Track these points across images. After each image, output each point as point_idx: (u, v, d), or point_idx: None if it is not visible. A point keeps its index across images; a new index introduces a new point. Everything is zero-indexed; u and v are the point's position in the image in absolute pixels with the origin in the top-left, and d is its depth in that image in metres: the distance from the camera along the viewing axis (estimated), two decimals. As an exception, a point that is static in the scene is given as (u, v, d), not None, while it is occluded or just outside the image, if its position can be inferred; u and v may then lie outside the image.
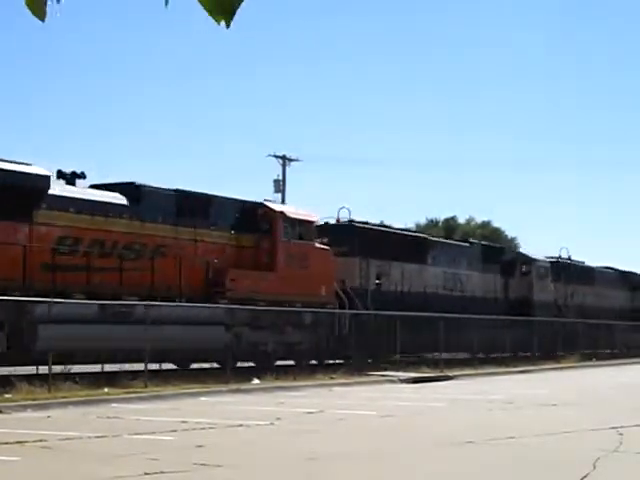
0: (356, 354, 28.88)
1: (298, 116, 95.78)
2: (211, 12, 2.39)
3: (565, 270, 46.61)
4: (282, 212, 27.60)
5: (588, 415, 16.54)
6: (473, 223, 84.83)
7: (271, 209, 27.59)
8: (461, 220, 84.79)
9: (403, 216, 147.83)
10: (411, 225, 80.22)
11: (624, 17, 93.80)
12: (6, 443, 11.48)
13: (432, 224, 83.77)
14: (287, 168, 51.61)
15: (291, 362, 27.32)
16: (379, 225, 34.06)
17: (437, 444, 12.12)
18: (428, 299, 34.18)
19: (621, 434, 12.91)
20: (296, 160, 51.72)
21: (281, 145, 75.76)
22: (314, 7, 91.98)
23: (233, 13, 2.40)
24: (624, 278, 54.71)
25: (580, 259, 51.05)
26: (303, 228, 28.13)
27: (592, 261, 52.00)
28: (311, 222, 28.77)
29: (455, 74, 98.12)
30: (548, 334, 40.33)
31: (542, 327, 40.00)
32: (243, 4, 2.41)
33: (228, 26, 2.42)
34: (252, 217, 26.97)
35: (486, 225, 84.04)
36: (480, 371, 31.56)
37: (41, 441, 11.69)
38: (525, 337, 37.56)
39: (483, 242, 42.81)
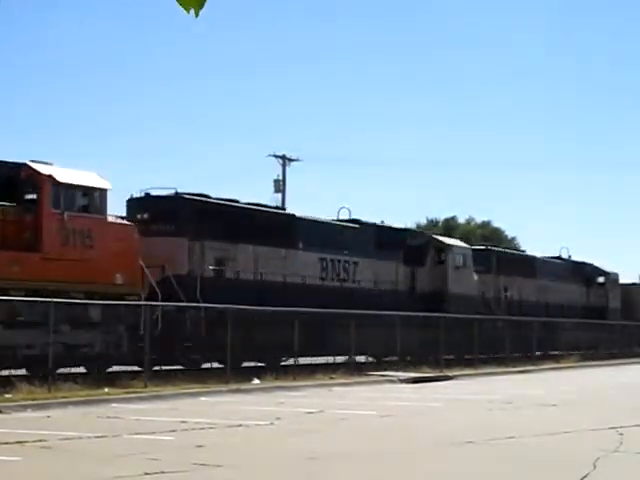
0: (159, 358, 22.99)
1: (298, 116, 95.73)
2: (180, 1, 2.37)
3: (496, 259, 39.80)
4: (51, 175, 20.84)
5: (588, 415, 16.54)
6: (473, 223, 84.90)
7: (35, 171, 20.90)
8: (461, 220, 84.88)
9: (403, 216, 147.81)
10: (411, 225, 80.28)
11: (624, 17, 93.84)
12: (6, 443, 11.48)
13: (432, 224, 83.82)
14: (287, 168, 51.58)
15: (81, 369, 22.06)
16: (223, 199, 27.13)
17: (437, 444, 12.12)
18: (291, 290, 27.57)
19: (621, 434, 12.91)
20: (296, 160, 51.69)
21: (281, 145, 75.70)
22: (314, 7, 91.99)
23: (203, 2, 2.38)
24: (577, 270, 47.74)
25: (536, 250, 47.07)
26: (88, 198, 21.82)
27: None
28: (99, 190, 22.04)
29: (455, 74, 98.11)
30: (463, 334, 33.04)
31: (453, 325, 32.48)
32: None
33: (197, 15, 2.40)
34: (10, 182, 20.67)
35: (486, 225, 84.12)
36: (480, 371, 31.56)
37: (41, 441, 11.69)
38: (433, 338, 30.88)
39: (379, 223, 34.38)
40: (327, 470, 10.01)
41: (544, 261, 45.14)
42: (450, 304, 34.81)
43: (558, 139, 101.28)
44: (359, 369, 27.77)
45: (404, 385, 25.47)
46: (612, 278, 50.51)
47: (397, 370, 28.52)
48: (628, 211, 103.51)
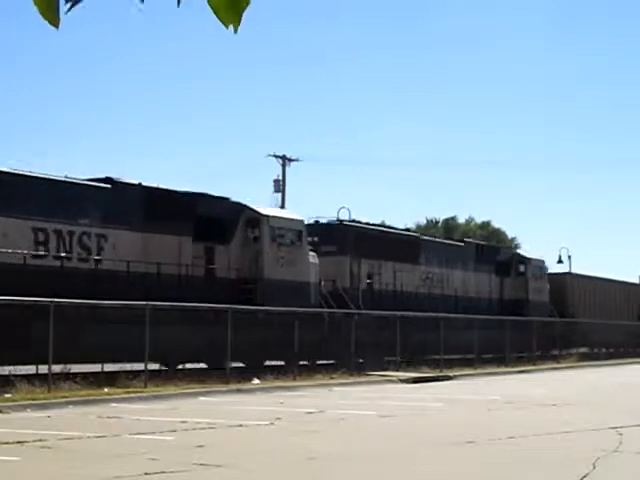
0: None
1: (298, 116, 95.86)
2: (220, 16, 2.40)
3: (354, 238, 31.40)
4: None
5: (588, 415, 16.53)
6: (473, 223, 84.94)
7: None
8: (461, 220, 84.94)
9: (403, 216, 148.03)
10: (411, 225, 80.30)
11: (624, 17, 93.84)
12: (6, 443, 11.48)
13: (432, 224, 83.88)
14: (287, 168, 51.58)
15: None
16: None
17: (437, 444, 12.12)
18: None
19: (621, 434, 12.91)
20: (296, 160, 51.69)
21: (281, 145, 75.83)
22: (314, 8, 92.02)
23: (240, 17, 2.42)
24: (485, 256, 39.16)
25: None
26: None
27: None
28: None
29: (455, 74, 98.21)
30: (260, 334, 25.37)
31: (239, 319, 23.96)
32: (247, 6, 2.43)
33: (236, 31, 2.43)
34: None
35: (486, 225, 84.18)
36: (480, 371, 31.57)
37: (41, 441, 11.68)
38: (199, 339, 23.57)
39: (148, 184, 24.75)
40: (327, 470, 10.01)
41: (434, 243, 36.86)
42: (265, 293, 26.80)
43: (558, 139, 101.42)
44: (359, 369, 27.78)
45: (404, 385, 25.47)
46: (534, 266, 42.08)
47: (397, 370, 28.54)
48: (628, 211, 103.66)
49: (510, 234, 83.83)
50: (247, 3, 2.44)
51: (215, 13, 2.40)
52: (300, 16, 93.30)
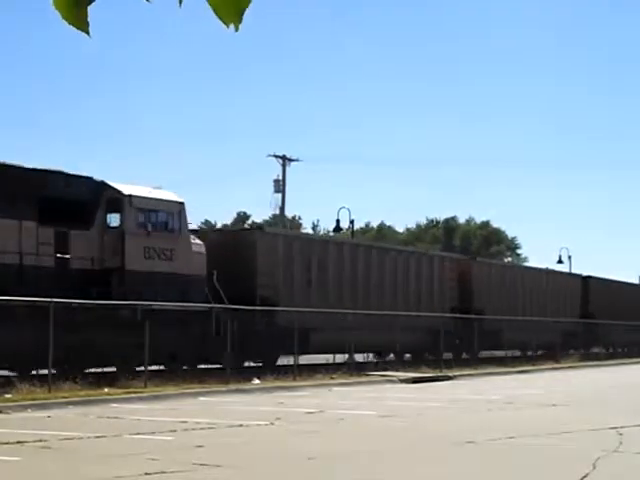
0: None
1: (298, 116, 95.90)
2: (220, 15, 2.38)
3: None
4: None
5: (588, 415, 16.53)
6: (473, 223, 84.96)
7: None
8: (461, 220, 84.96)
9: (403, 216, 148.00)
10: (411, 225, 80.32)
11: (630, 16, 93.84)
12: (6, 443, 11.48)
13: (432, 224, 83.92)
14: (287, 168, 51.57)
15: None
16: None
17: (437, 444, 12.12)
18: None
19: (621, 434, 12.91)
20: (296, 160, 51.69)
21: (281, 145, 75.81)
22: (314, 7, 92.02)
23: (242, 16, 2.40)
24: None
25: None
26: None
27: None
28: None
29: (456, 74, 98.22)
30: None
31: None
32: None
33: (237, 29, 2.41)
34: None
35: (486, 225, 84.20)
36: (480, 371, 31.56)
37: (41, 441, 11.68)
38: None
39: None
40: (327, 470, 10.01)
41: None
42: None
43: (559, 139, 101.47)
44: (359, 369, 27.77)
45: (404, 385, 25.46)
46: (147, 210, 23.05)
47: (397, 370, 28.54)
48: (628, 211, 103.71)
49: (510, 234, 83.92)
50: (248, 3, 2.43)
51: (215, 12, 2.39)
52: (300, 15, 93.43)
